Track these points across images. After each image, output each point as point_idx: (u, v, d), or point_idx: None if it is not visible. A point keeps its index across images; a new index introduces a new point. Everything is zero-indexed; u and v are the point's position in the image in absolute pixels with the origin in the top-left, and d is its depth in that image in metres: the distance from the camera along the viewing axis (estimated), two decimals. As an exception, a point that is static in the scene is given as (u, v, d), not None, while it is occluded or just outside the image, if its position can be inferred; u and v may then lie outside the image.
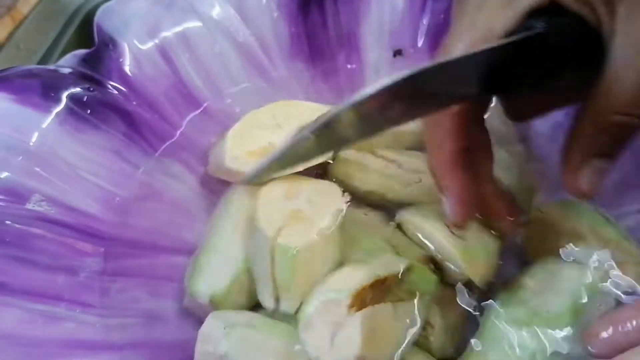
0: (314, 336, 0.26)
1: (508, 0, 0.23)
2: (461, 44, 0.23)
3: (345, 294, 0.26)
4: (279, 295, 0.28)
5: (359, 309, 0.26)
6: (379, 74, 0.42)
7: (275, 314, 0.29)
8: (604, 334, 0.20)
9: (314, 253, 0.28)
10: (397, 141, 0.37)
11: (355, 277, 0.27)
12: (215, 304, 0.30)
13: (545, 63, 0.23)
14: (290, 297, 0.28)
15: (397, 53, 0.41)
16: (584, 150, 0.23)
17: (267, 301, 0.29)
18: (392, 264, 0.28)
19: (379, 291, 0.27)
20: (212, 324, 0.28)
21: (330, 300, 0.26)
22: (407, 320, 0.27)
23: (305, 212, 0.29)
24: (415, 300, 0.28)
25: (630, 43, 0.21)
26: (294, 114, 0.35)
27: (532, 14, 0.22)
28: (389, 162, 0.35)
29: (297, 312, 0.28)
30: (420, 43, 0.41)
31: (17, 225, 0.28)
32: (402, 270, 0.28)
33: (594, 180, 0.23)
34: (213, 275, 0.31)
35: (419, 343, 0.28)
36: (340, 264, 0.29)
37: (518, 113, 0.28)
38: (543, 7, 0.22)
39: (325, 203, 0.30)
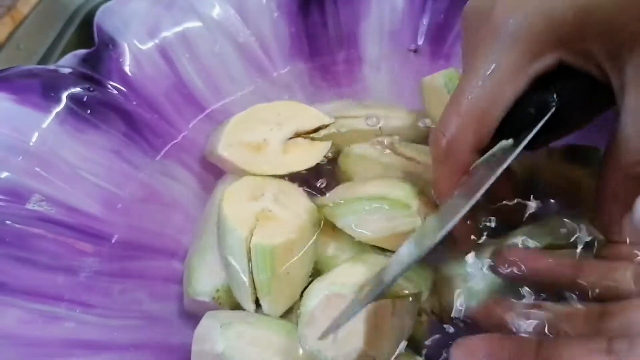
0: (316, 330, 0.25)
1: (518, 67, 0.23)
2: (472, 98, 0.24)
3: (351, 289, 0.26)
4: (260, 297, 0.28)
5: None
6: (379, 73, 0.42)
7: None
8: None
9: (291, 251, 0.28)
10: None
11: (357, 272, 0.27)
12: (218, 301, 0.30)
13: (562, 124, 0.24)
14: (271, 299, 0.28)
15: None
16: (619, 203, 0.24)
17: (247, 304, 0.29)
18: (382, 262, 0.28)
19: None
20: (207, 324, 0.28)
21: (335, 294, 0.26)
22: (404, 317, 0.27)
23: (275, 212, 0.30)
24: (411, 297, 0.28)
25: None
26: (297, 117, 0.35)
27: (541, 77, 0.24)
28: (407, 159, 0.34)
29: (287, 312, 0.29)
30: (420, 43, 0.41)
31: (17, 225, 0.28)
32: None
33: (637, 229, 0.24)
34: (212, 272, 0.31)
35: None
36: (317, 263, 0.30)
37: (538, 147, 0.30)
38: (551, 71, 0.23)
39: (292, 202, 0.31)
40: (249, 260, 0.28)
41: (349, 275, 0.27)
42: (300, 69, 0.41)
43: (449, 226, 0.22)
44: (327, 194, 0.33)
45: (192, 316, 0.32)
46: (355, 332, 0.25)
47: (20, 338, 0.26)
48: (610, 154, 0.23)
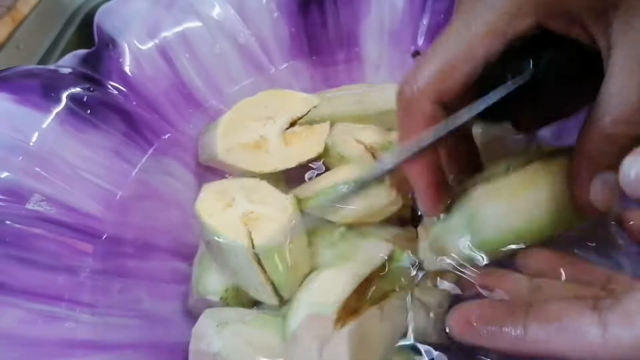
0: (302, 350, 0.25)
1: (494, 27, 0.23)
2: (443, 52, 0.24)
3: (330, 310, 0.25)
4: (280, 291, 0.28)
5: (346, 319, 0.25)
6: (379, 73, 0.42)
7: (266, 309, 0.29)
8: None
9: (292, 240, 0.28)
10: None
11: (338, 283, 0.26)
12: (226, 300, 0.30)
13: (543, 93, 0.24)
14: (291, 288, 0.28)
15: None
16: (592, 164, 0.23)
17: (271, 301, 0.29)
18: (372, 257, 0.28)
19: (363, 291, 0.27)
20: (205, 323, 0.28)
21: (315, 314, 0.25)
22: (394, 318, 0.27)
23: (257, 211, 0.29)
24: (399, 294, 0.28)
25: (629, 55, 0.21)
26: (286, 105, 0.35)
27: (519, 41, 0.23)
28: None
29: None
30: (420, 43, 0.41)
31: (17, 225, 0.28)
32: (385, 259, 0.28)
33: (605, 194, 0.23)
34: (221, 272, 0.31)
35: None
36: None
37: (525, 127, 0.29)
38: (530, 34, 0.23)
39: (265, 197, 0.30)
40: (259, 263, 0.28)
41: (329, 290, 0.26)
42: (300, 69, 0.41)
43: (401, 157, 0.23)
44: (296, 189, 0.32)
45: (192, 315, 0.32)
46: (340, 352, 0.24)
47: (20, 338, 0.26)
48: (591, 114, 0.22)
